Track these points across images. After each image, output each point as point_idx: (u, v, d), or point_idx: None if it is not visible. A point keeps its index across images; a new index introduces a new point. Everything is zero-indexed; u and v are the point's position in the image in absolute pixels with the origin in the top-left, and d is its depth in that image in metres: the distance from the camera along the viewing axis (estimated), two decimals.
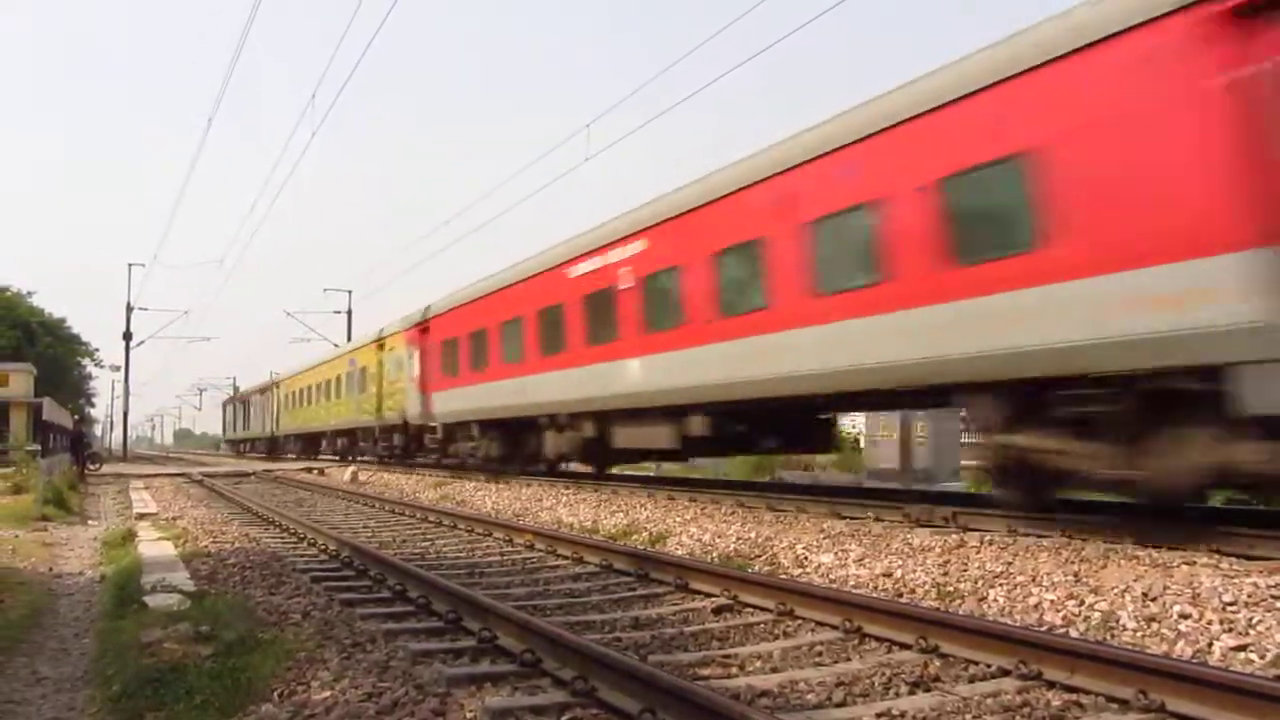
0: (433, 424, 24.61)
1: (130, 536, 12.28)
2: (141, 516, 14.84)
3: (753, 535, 9.98)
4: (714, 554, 9.76)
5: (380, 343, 30.10)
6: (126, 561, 9.94)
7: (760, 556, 9.26)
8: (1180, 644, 5.54)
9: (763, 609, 6.89)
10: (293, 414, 45.01)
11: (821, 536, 9.48)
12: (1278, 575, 6.15)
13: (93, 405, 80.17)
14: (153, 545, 10.86)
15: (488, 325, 20.74)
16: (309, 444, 43.55)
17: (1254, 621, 5.53)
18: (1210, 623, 5.66)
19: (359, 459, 33.82)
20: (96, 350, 73.91)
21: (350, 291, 54.61)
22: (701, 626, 6.58)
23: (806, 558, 8.83)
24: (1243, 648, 5.33)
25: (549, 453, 18.89)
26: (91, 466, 30.32)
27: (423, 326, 25.35)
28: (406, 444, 28.25)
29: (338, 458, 37.80)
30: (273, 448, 51.80)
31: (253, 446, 59.27)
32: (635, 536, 11.39)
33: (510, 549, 10.73)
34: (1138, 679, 4.53)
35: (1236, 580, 6.13)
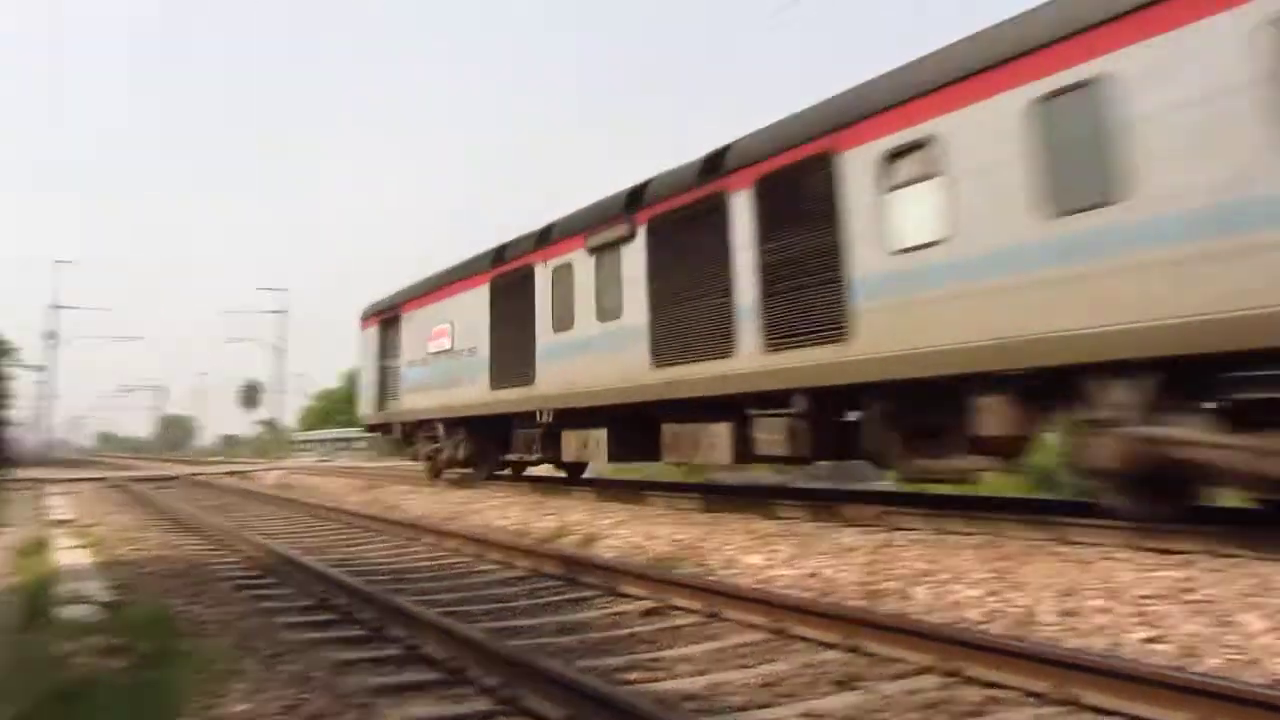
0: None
1: (43, 545, 11.87)
2: (57, 523, 14.35)
3: (684, 537, 9.99)
4: (645, 556, 9.76)
5: None
6: (39, 571, 9.60)
7: (690, 558, 9.28)
8: (1095, 637, 5.68)
9: (691, 611, 6.90)
10: None
11: (752, 537, 9.52)
12: (1189, 569, 6.37)
13: (10, 408, 76.86)
14: (67, 554, 10.51)
15: None
16: None
17: (1165, 614, 5.70)
18: (1125, 616, 5.81)
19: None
20: (18, 350, 70.90)
21: (286, 290, 52.02)
22: (629, 630, 6.56)
23: (736, 559, 8.87)
24: (1155, 639, 5.48)
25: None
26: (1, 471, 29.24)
27: None
28: None
29: None
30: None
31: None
32: (566, 539, 11.33)
33: (438, 554, 10.60)
34: (1054, 673, 4.64)
35: (1151, 574, 6.31)
